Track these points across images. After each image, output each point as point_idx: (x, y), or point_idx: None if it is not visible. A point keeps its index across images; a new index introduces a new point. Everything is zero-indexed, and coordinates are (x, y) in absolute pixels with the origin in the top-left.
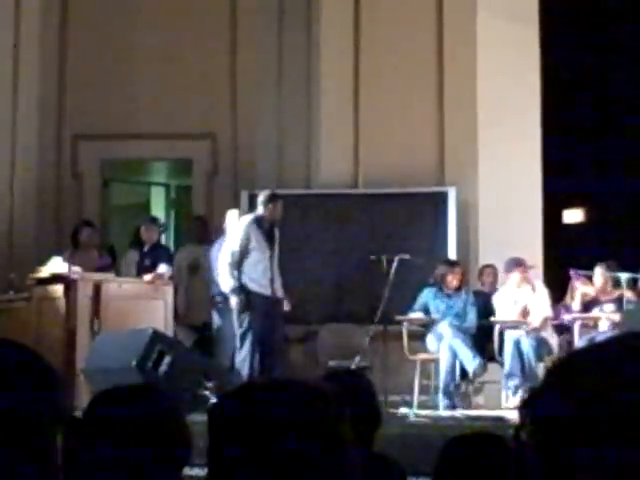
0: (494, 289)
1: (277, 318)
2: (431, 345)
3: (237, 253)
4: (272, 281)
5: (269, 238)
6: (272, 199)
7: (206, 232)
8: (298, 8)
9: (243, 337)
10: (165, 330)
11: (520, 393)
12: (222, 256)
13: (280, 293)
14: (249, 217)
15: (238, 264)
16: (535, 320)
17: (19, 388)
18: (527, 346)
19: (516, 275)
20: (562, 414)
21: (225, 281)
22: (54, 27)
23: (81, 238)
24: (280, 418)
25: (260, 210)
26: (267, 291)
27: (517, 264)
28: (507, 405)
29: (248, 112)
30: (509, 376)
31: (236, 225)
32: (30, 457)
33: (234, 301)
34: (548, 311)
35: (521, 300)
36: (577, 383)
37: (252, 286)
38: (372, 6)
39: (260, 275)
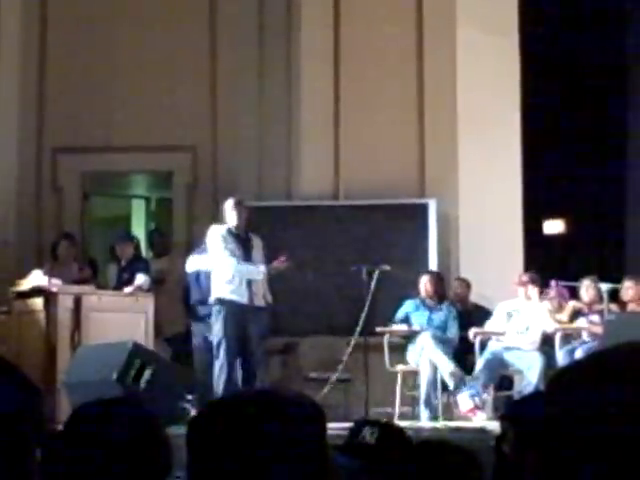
0: (466, 301)
1: (255, 326)
2: (412, 357)
3: (232, 251)
4: (250, 290)
5: (245, 246)
6: (237, 205)
7: (165, 244)
8: (278, 22)
9: (218, 346)
10: (146, 343)
11: (477, 399)
12: (218, 269)
13: (260, 302)
14: (222, 226)
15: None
16: (534, 335)
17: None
18: (538, 363)
19: (526, 290)
20: (546, 427)
21: (256, 272)
22: (34, 41)
23: (59, 251)
24: (261, 431)
25: (229, 219)
26: (243, 299)
27: (528, 280)
28: (462, 408)
29: (228, 124)
30: (470, 386)
31: (211, 235)
32: (8, 471)
33: (278, 267)
34: (549, 326)
35: (521, 312)
36: (573, 398)
37: (228, 295)
38: (352, 20)
39: (237, 283)
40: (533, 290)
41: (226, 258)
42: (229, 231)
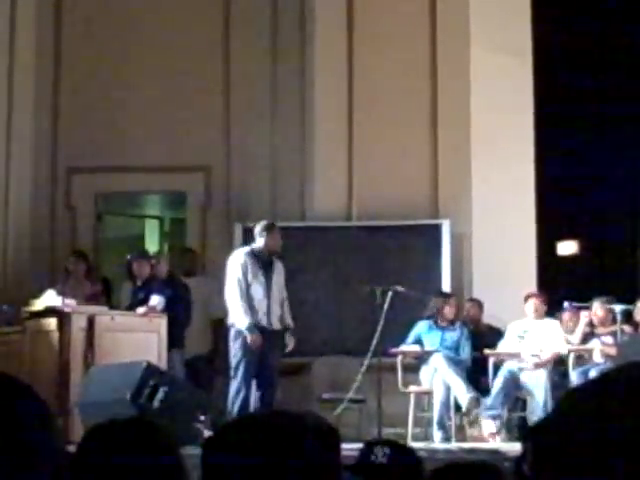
0: (479, 322)
1: (272, 350)
2: (425, 378)
3: (244, 286)
4: (268, 313)
5: (266, 269)
6: (268, 229)
7: (195, 264)
8: (292, 42)
9: (237, 367)
10: (159, 363)
11: (498, 422)
12: (229, 295)
13: (277, 325)
14: (244, 250)
15: (248, 298)
16: (545, 354)
17: (12, 424)
18: (543, 379)
19: (530, 303)
20: (565, 447)
21: (241, 320)
22: (48, 60)
23: (68, 266)
24: (276, 452)
25: (257, 241)
26: (262, 322)
27: (534, 294)
28: (485, 432)
29: (242, 145)
30: (491, 407)
31: (232, 259)
32: None
33: (249, 338)
34: (563, 348)
35: (531, 333)
36: (580, 418)
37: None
38: (365, 40)
39: (255, 305)
40: (540, 305)
41: (234, 287)
42: (251, 254)
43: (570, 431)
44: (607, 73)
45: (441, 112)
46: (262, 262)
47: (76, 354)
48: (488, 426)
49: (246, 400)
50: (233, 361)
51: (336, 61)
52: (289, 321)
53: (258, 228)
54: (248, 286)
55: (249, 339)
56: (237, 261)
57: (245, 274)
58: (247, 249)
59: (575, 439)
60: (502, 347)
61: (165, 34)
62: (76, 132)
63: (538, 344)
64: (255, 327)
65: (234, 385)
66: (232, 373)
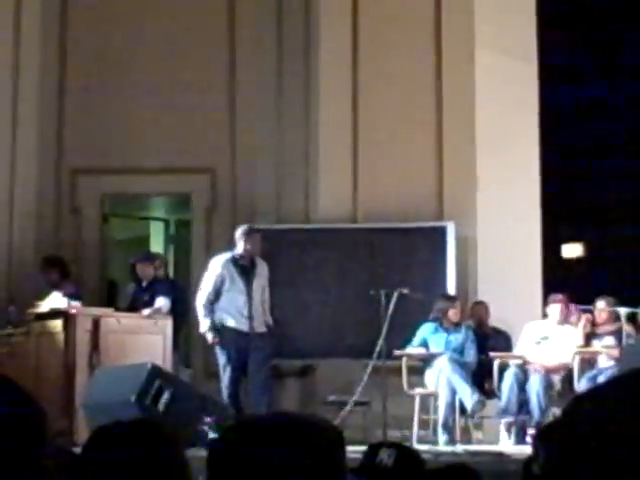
0: (485, 325)
1: (257, 353)
2: (430, 380)
3: (212, 293)
4: (250, 317)
5: (247, 274)
6: (247, 234)
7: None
8: (296, 43)
9: (223, 372)
10: (164, 365)
11: (514, 431)
12: (197, 297)
13: (261, 328)
14: (223, 257)
15: (212, 303)
16: (554, 360)
17: (8, 428)
18: (537, 384)
19: (556, 308)
20: (577, 450)
21: (201, 322)
22: (53, 61)
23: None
24: (281, 454)
25: (237, 246)
26: (244, 327)
27: (560, 298)
28: (505, 444)
29: (247, 147)
30: (504, 412)
31: (209, 267)
32: None
33: (209, 339)
34: (568, 358)
35: (551, 340)
36: (591, 421)
37: (229, 322)
38: (371, 41)
39: (236, 311)
40: (565, 311)
41: (200, 293)
42: (232, 259)
43: (578, 436)
44: (613, 77)
45: (446, 114)
46: (242, 267)
47: (81, 356)
48: (509, 439)
49: (236, 404)
50: (219, 366)
51: (341, 63)
52: (269, 321)
53: (238, 233)
54: (219, 295)
55: (209, 339)
56: (212, 271)
57: (218, 283)
58: (228, 255)
59: (583, 444)
60: (520, 349)
61: (170, 37)
62: (81, 133)
63: (557, 352)
64: (214, 329)
65: (223, 390)
66: (221, 377)
